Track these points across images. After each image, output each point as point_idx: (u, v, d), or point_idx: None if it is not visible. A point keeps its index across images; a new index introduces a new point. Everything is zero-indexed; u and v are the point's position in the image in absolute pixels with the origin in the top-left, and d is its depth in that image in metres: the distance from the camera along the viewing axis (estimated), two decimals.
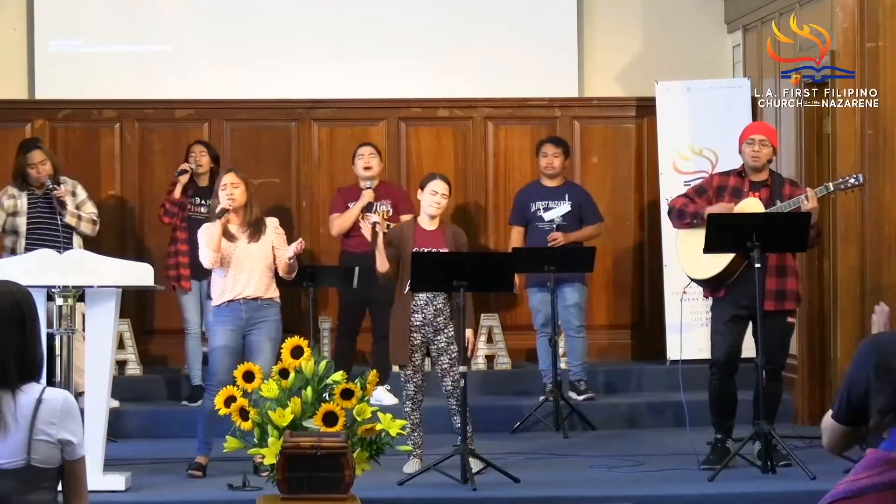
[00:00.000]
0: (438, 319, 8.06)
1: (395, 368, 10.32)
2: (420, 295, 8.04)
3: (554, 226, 9.88)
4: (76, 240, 9.56)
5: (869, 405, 3.79)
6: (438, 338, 8.06)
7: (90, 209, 9.61)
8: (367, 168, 9.87)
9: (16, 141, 10.54)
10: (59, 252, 7.84)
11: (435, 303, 8.04)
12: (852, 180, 8.16)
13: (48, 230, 9.45)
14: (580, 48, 11.35)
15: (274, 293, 8.11)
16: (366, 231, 8.75)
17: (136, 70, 11.06)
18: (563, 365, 10.08)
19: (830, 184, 8.25)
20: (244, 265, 8.01)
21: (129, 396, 9.84)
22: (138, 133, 11.04)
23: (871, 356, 3.80)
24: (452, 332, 8.06)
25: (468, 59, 11.26)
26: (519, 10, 11.31)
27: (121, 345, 10.02)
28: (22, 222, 9.47)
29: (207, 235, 8.00)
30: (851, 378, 3.88)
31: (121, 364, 10.19)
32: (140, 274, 7.57)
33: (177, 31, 11.15)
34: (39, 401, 3.92)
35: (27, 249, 9.12)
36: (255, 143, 10.98)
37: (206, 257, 8.00)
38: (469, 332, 8.10)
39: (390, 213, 9.68)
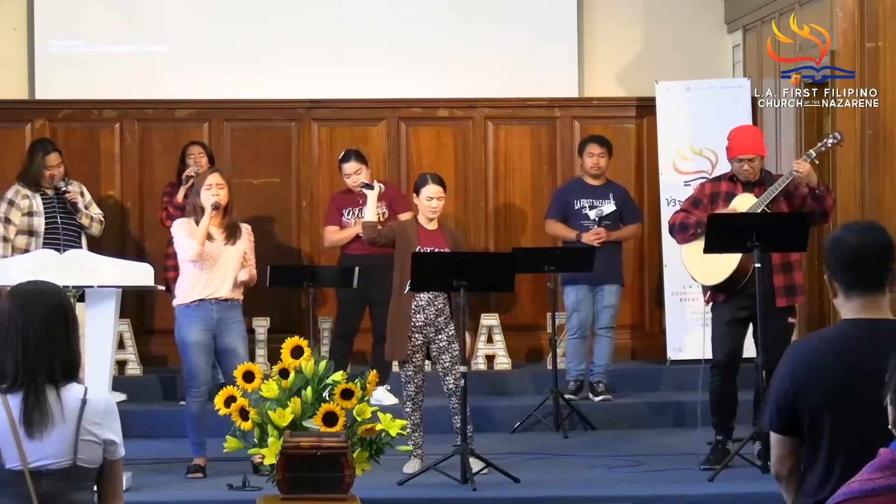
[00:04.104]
0: (439, 319, 8.06)
1: (395, 368, 10.38)
2: (421, 295, 8.04)
3: (597, 223, 9.89)
4: (83, 240, 9.59)
5: (798, 405, 3.75)
6: (440, 337, 8.06)
7: (96, 210, 9.67)
8: (354, 185, 9.69)
9: (16, 141, 10.53)
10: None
11: (436, 303, 8.04)
12: (830, 140, 8.14)
13: (65, 230, 9.46)
14: (580, 48, 11.34)
15: (239, 295, 8.13)
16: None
17: (136, 70, 11.06)
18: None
19: (812, 150, 8.20)
20: (221, 266, 8.01)
21: (129, 396, 9.83)
22: (138, 133, 11.03)
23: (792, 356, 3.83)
24: (453, 331, 8.07)
25: (468, 59, 11.26)
26: (519, 11, 11.31)
27: (121, 345, 10.01)
28: (40, 223, 9.47)
29: (188, 228, 7.99)
30: (774, 379, 3.87)
31: (121, 364, 10.19)
32: (140, 274, 7.56)
33: (177, 31, 11.15)
34: (84, 401, 3.94)
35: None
36: (255, 143, 10.97)
37: (190, 249, 7.95)
38: (466, 335, 8.17)
39: (386, 215, 9.64)
